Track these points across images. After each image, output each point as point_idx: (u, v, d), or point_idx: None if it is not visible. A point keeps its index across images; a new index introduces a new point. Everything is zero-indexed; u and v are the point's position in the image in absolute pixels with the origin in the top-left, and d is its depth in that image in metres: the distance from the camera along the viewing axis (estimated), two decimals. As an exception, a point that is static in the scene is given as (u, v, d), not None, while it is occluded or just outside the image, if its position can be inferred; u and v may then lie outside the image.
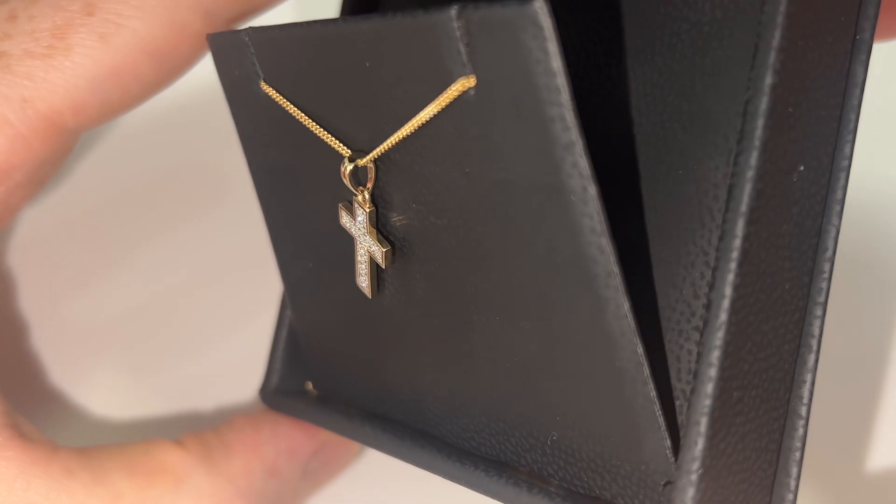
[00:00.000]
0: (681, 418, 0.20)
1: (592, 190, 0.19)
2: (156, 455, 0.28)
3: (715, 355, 0.19)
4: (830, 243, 0.21)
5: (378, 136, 0.23)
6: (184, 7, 0.28)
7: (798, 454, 0.21)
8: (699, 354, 0.20)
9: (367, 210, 0.24)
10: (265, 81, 0.25)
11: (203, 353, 0.36)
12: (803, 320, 0.21)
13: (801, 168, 0.21)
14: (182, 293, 0.37)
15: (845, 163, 0.21)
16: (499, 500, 0.23)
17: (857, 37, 0.21)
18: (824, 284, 0.21)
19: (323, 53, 0.23)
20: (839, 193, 0.21)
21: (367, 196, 0.24)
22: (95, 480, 0.26)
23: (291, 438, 0.30)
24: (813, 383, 0.21)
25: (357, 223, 0.25)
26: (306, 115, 0.25)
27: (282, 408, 0.30)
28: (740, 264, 0.20)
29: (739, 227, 0.20)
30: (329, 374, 0.29)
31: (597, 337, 0.20)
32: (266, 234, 0.29)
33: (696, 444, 0.19)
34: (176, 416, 0.35)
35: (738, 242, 0.20)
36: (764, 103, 0.20)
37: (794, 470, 0.21)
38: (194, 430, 0.30)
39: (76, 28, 0.27)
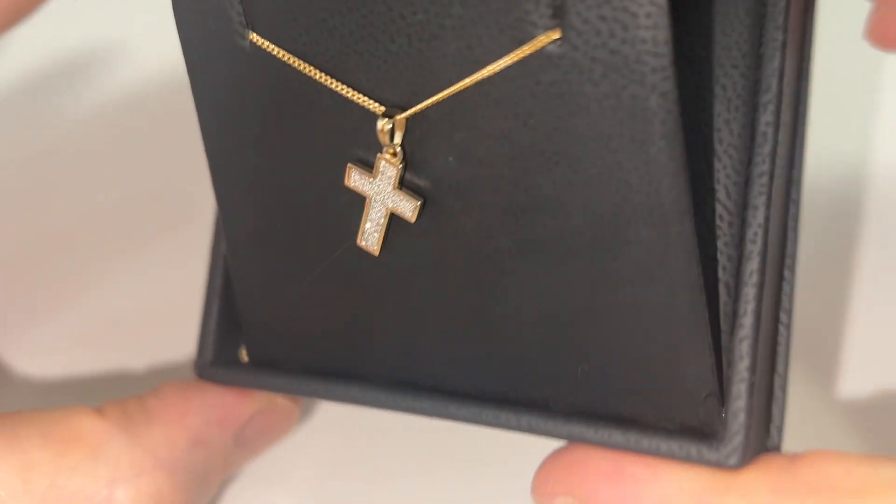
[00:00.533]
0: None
1: (680, 147, 0.20)
2: (72, 423, 0.27)
3: (754, 280, 0.22)
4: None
5: (415, 91, 0.23)
6: None
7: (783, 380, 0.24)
8: (738, 281, 0.22)
9: (399, 166, 0.24)
10: (257, 34, 0.24)
11: (139, 317, 0.35)
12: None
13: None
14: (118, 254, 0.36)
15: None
16: (504, 428, 0.24)
17: None
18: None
19: (348, 4, 0.23)
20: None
21: (397, 150, 0.24)
22: (7, 447, 0.25)
23: (222, 407, 0.29)
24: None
25: (378, 181, 0.24)
26: (317, 69, 0.24)
27: (219, 379, 0.29)
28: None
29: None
30: (277, 336, 0.29)
31: (661, 270, 0.21)
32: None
33: (743, 361, 0.22)
34: (109, 383, 0.34)
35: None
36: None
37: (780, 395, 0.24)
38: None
39: None
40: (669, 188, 0.21)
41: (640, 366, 0.23)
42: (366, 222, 0.25)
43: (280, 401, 0.30)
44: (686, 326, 0.22)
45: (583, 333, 0.23)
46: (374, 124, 0.24)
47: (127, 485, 0.26)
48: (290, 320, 0.28)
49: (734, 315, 0.22)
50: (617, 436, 0.23)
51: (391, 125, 0.23)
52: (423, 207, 0.24)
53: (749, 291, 0.22)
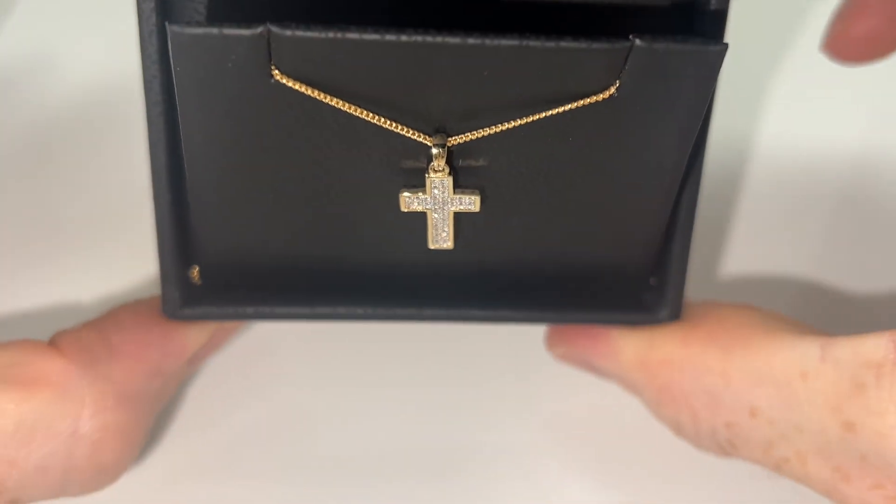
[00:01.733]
0: None
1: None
2: (32, 364, 0.26)
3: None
4: None
5: (463, 117, 0.25)
6: None
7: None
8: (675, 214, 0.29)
9: (450, 176, 0.26)
10: (285, 74, 0.24)
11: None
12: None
13: None
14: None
15: None
16: (500, 320, 0.30)
17: None
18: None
19: (397, 58, 0.24)
20: None
21: (443, 164, 0.26)
22: None
23: (181, 339, 0.29)
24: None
25: (434, 195, 0.26)
26: (345, 101, 0.24)
27: (189, 317, 0.29)
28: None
29: None
30: (241, 256, 0.29)
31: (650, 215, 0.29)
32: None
33: (676, 261, 0.30)
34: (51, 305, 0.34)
35: None
36: None
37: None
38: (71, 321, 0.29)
39: None
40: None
41: (613, 268, 0.30)
42: (436, 230, 0.27)
43: (229, 325, 0.32)
44: (654, 244, 0.29)
45: (570, 250, 0.29)
46: (414, 150, 0.26)
47: (91, 420, 0.27)
48: (258, 241, 0.28)
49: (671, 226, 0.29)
50: (590, 315, 0.31)
51: (443, 152, 0.25)
52: (483, 197, 0.27)
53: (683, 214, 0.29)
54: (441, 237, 0.28)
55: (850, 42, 0.33)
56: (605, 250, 0.29)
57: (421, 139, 0.25)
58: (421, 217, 0.27)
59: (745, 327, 0.28)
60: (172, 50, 0.24)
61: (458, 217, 0.27)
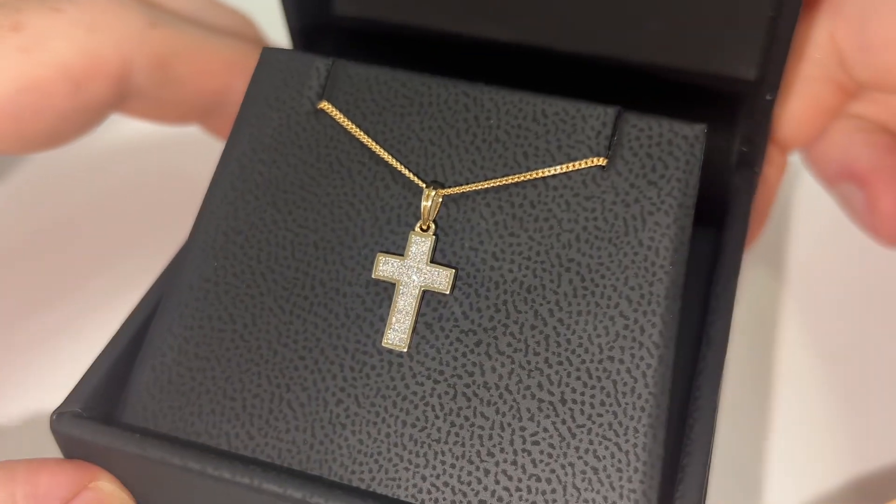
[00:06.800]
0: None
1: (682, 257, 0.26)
2: None
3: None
4: None
5: (457, 177, 0.27)
6: (107, 45, 0.31)
7: None
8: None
9: (432, 238, 0.26)
10: (330, 103, 0.28)
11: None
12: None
13: None
14: None
15: None
16: None
17: None
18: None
19: (427, 100, 0.27)
20: None
21: (430, 225, 0.26)
22: None
23: (33, 483, 0.26)
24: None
25: (410, 260, 0.26)
26: (374, 141, 0.28)
27: (76, 432, 0.27)
28: None
29: None
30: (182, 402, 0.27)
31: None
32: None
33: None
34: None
35: None
36: None
37: None
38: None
39: (1, 39, 0.30)
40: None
41: None
42: (394, 314, 0.26)
43: (107, 488, 0.27)
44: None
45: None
46: (414, 199, 0.27)
47: None
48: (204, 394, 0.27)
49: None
50: None
51: (436, 198, 0.26)
52: (455, 278, 0.26)
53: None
54: (399, 324, 0.26)
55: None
56: None
57: (417, 182, 0.27)
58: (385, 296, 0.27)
59: None
60: (259, 65, 0.29)
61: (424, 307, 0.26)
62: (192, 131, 0.39)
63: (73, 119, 0.32)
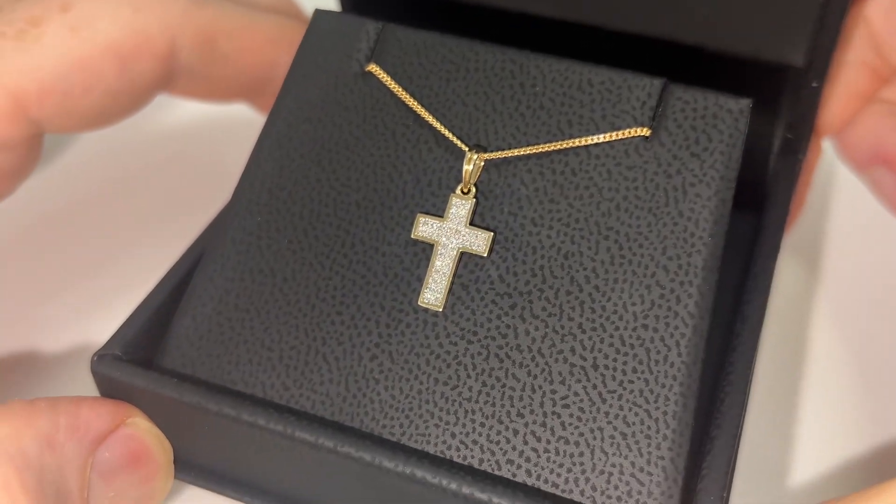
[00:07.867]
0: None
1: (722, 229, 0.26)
2: None
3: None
4: None
5: (501, 144, 0.27)
6: (152, 24, 0.32)
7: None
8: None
9: (472, 201, 0.27)
10: (378, 66, 0.29)
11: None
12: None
13: None
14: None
15: None
16: None
17: None
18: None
19: (474, 66, 0.28)
20: None
21: (472, 188, 0.27)
22: None
23: (74, 414, 0.27)
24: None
25: (449, 221, 0.27)
26: (421, 105, 0.28)
27: (115, 373, 0.27)
28: None
29: None
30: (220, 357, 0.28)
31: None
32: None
33: None
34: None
35: None
36: None
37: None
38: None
39: (50, 19, 0.31)
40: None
41: None
42: (431, 274, 0.26)
43: (143, 425, 0.28)
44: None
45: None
46: (456, 162, 0.27)
47: None
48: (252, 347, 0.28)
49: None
50: None
51: (478, 162, 0.27)
52: (493, 241, 0.26)
53: None
54: (435, 284, 0.26)
55: None
56: None
57: (460, 145, 0.27)
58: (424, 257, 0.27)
59: None
60: (310, 27, 0.30)
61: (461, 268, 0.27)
62: (241, 114, 0.40)
63: (121, 97, 0.32)
